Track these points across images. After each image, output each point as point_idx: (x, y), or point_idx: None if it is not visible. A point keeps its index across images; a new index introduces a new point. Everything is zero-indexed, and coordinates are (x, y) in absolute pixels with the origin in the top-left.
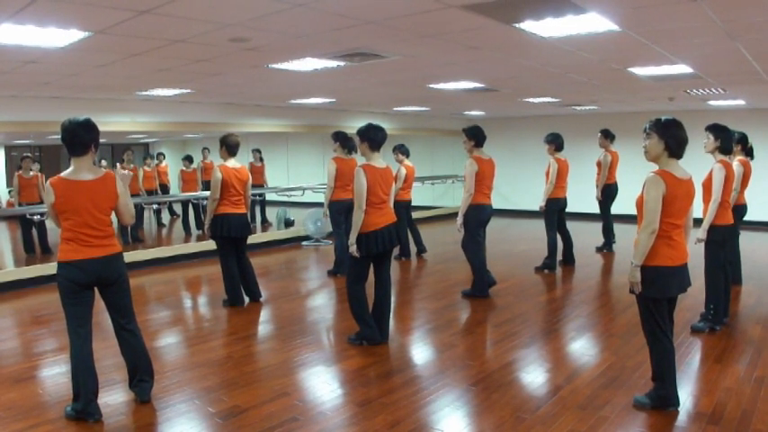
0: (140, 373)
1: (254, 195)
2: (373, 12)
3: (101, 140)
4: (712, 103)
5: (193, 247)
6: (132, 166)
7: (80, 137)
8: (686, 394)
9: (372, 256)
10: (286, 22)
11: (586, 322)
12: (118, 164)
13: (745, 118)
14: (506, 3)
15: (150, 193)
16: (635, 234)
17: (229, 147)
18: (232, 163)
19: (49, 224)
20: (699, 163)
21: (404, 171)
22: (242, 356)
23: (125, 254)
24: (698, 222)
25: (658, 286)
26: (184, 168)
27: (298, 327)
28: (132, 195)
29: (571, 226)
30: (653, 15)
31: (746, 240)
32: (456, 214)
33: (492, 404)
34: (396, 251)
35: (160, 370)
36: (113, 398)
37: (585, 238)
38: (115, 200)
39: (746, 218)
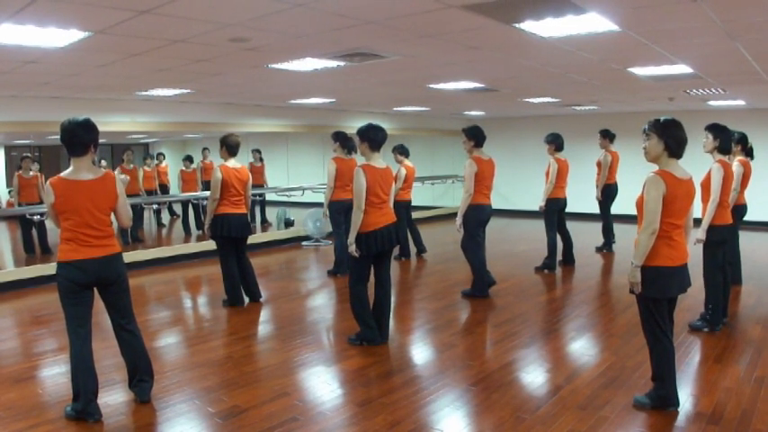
0: (140, 374)
1: (253, 195)
2: (373, 12)
3: (101, 140)
4: (712, 103)
5: (193, 247)
6: (132, 166)
7: (79, 137)
8: (686, 394)
9: (372, 256)
10: (286, 22)
11: (586, 322)
12: (118, 167)
13: (745, 118)
14: (506, 3)
15: (150, 193)
16: (635, 234)
17: (230, 147)
18: (232, 163)
19: (49, 224)
20: (699, 163)
21: (404, 171)
22: (242, 356)
23: (125, 254)
24: (697, 222)
25: (658, 286)
26: (184, 168)
27: (298, 327)
28: (132, 195)
29: (571, 226)
30: (653, 15)
31: (746, 240)
32: (456, 214)
33: (492, 404)
34: (396, 251)
35: (160, 370)
36: (113, 398)
37: (585, 238)
38: (115, 200)
39: (746, 218)
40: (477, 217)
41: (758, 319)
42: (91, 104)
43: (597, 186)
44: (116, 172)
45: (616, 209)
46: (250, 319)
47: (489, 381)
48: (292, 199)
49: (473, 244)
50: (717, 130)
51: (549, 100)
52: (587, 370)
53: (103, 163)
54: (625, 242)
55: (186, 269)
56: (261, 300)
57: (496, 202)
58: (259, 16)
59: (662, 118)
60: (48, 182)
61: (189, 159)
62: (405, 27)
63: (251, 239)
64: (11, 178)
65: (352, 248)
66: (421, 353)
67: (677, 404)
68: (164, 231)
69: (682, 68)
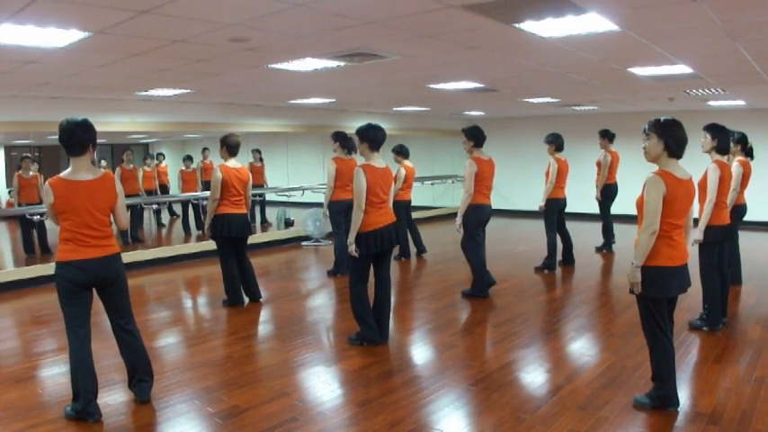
0: (140, 374)
1: (253, 196)
2: (373, 12)
3: (101, 141)
4: (712, 103)
5: (193, 247)
6: (132, 166)
7: (78, 137)
8: (686, 394)
9: (372, 256)
10: (286, 22)
11: (586, 322)
12: (118, 167)
13: (745, 118)
14: (506, 3)
15: (150, 193)
16: (635, 234)
17: (230, 147)
18: (232, 163)
19: (49, 224)
20: (699, 163)
21: (403, 172)
22: (242, 356)
23: (125, 254)
24: (696, 222)
25: (659, 286)
26: (184, 168)
27: (298, 327)
28: (132, 195)
29: (571, 226)
30: (653, 15)
31: (746, 240)
32: (456, 214)
33: (492, 404)
34: (396, 251)
35: (160, 370)
36: (113, 398)
37: (585, 238)
38: (114, 200)
39: (746, 218)
40: (476, 217)
41: (758, 319)
42: (91, 104)
43: (597, 186)
44: (116, 172)
45: (616, 209)
46: (250, 319)
47: (489, 381)
48: (292, 199)
49: (473, 244)
50: (715, 130)
51: (549, 100)
52: (587, 370)
53: (103, 163)
54: (625, 242)
55: (186, 269)
56: (261, 300)
57: (496, 202)
58: (259, 16)
59: (662, 118)
60: (47, 182)
61: (189, 159)
62: (405, 27)
63: (251, 239)
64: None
65: (352, 248)
66: (421, 353)
67: (677, 404)
68: (164, 231)
69: (682, 68)
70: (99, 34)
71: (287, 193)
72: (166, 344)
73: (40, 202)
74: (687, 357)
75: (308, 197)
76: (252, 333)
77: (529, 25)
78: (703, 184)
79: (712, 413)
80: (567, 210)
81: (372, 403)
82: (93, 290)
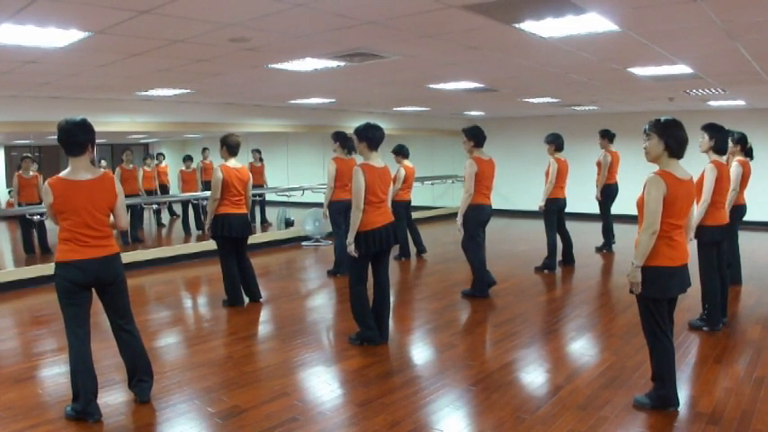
0: (139, 374)
1: (253, 196)
2: (373, 12)
3: (101, 141)
4: (712, 103)
5: (193, 247)
6: (132, 166)
7: (77, 137)
8: (686, 394)
9: (370, 255)
10: (286, 22)
11: (586, 322)
12: (118, 167)
13: (745, 118)
14: (506, 3)
15: (150, 193)
16: (635, 234)
17: (230, 147)
18: (233, 163)
19: (49, 224)
20: (699, 163)
21: (403, 172)
22: (242, 356)
23: (125, 254)
24: None
25: (659, 286)
26: (184, 169)
27: (298, 327)
28: (132, 195)
29: (571, 226)
30: (653, 15)
31: (746, 240)
32: (456, 214)
33: (492, 404)
34: (396, 251)
35: (160, 370)
36: (113, 398)
37: (585, 238)
38: (114, 199)
39: (746, 218)
40: (477, 217)
41: (758, 319)
42: (91, 104)
43: (597, 186)
44: (116, 172)
45: (616, 209)
46: (250, 319)
47: (489, 381)
48: (292, 199)
49: (473, 244)
50: (712, 130)
51: (549, 100)
52: (587, 370)
53: (103, 163)
54: (625, 242)
55: (186, 269)
56: (261, 300)
57: (496, 202)
58: (259, 16)
59: (662, 118)
60: (46, 182)
61: (189, 159)
62: (405, 27)
63: (251, 239)
64: (11, 178)
65: (351, 248)
66: (421, 353)
67: (677, 404)
68: (164, 231)
69: (682, 68)
70: (99, 34)
71: (287, 193)
72: (166, 344)
73: (40, 202)
74: (687, 357)
75: (308, 197)
76: (252, 333)
77: (529, 25)
78: (700, 184)
79: (712, 413)
80: (567, 210)
81: (372, 403)
82: (93, 290)
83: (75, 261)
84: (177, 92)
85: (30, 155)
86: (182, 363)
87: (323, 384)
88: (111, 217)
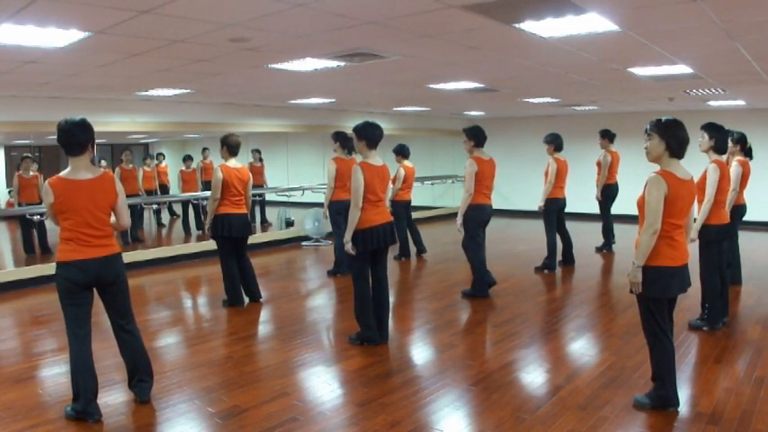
0: (140, 374)
1: (253, 196)
2: (373, 12)
3: (101, 141)
4: (712, 103)
5: (193, 247)
6: (131, 166)
7: (77, 137)
8: (686, 394)
9: (369, 253)
10: (286, 22)
11: (586, 322)
12: (117, 167)
13: (745, 118)
14: (506, 3)
15: (150, 193)
16: (635, 234)
17: (230, 147)
18: (233, 163)
19: (49, 224)
20: (699, 163)
21: (402, 172)
22: (242, 356)
23: (125, 254)
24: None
25: (659, 286)
26: (184, 168)
27: (298, 327)
28: (132, 195)
29: (571, 226)
30: (653, 15)
31: (746, 240)
32: (456, 214)
33: (492, 404)
34: (396, 251)
35: (160, 370)
36: (113, 398)
37: (585, 238)
38: (115, 199)
39: (746, 218)
40: (477, 217)
41: (758, 319)
42: (91, 104)
43: (597, 186)
44: (115, 172)
45: (616, 209)
46: (250, 319)
47: (489, 381)
48: (292, 199)
49: (473, 244)
50: (712, 130)
51: (549, 100)
52: (587, 370)
53: (103, 163)
54: (625, 242)
55: (186, 269)
56: (261, 300)
57: (497, 202)
58: (259, 16)
59: (663, 118)
60: (46, 182)
61: (189, 159)
62: (405, 27)
63: (251, 239)
64: (11, 178)
65: (349, 246)
66: (421, 353)
67: (677, 404)
68: (164, 231)
69: (682, 68)
70: (99, 34)
71: (287, 193)
72: (166, 344)
73: (41, 202)
74: (687, 357)
75: (308, 197)
76: (252, 333)
77: (529, 25)
78: (702, 184)
79: (712, 413)
80: (568, 210)
81: (372, 403)
82: (94, 290)
83: (77, 261)
84: (177, 92)
85: (30, 155)
86: (182, 363)
87: (323, 384)
88: (113, 217)
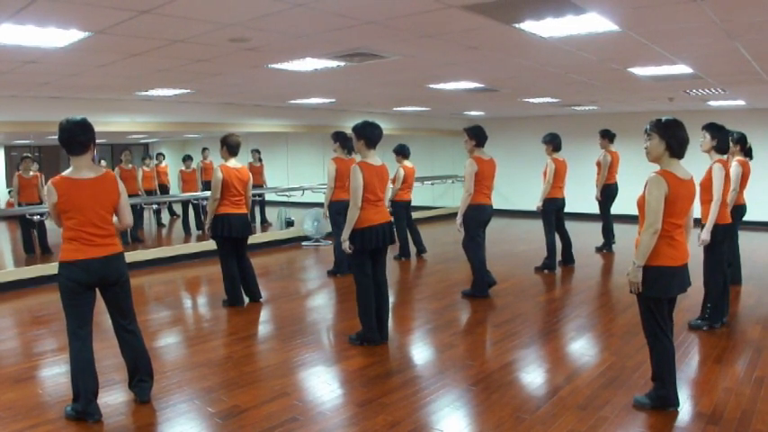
0: (140, 374)
1: (253, 196)
2: (373, 12)
3: (101, 141)
4: (712, 103)
5: (193, 247)
6: (131, 166)
7: (79, 136)
8: (686, 394)
9: (368, 253)
10: (286, 22)
11: (586, 322)
12: (117, 167)
13: (745, 118)
14: (506, 3)
15: (149, 193)
16: (635, 234)
17: (230, 147)
18: (233, 163)
19: (49, 224)
20: (699, 163)
21: (402, 172)
22: (242, 356)
23: (125, 254)
24: (696, 222)
25: (660, 286)
26: (184, 169)
27: (298, 327)
28: (131, 195)
29: (571, 226)
30: (653, 15)
31: (746, 240)
32: (456, 214)
33: (492, 404)
34: (396, 251)
35: (160, 370)
36: (113, 398)
37: (585, 238)
38: (117, 198)
39: (746, 218)
40: (477, 217)
41: (758, 319)
42: (91, 104)
43: (597, 186)
44: (115, 172)
45: (616, 209)
46: (250, 319)
47: (489, 381)
48: (292, 199)
49: (474, 244)
50: (714, 130)
51: (549, 100)
52: (587, 370)
53: (103, 163)
54: (625, 242)
55: (186, 269)
56: (261, 300)
57: (496, 202)
58: (259, 16)
59: (663, 118)
60: (49, 182)
61: (189, 159)
62: (405, 27)
63: (251, 239)
64: (11, 178)
65: (346, 245)
66: (421, 353)
67: (677, 404)
68: (164, 231)
69: (682, 68)
70: (99, 34)
71: (287, 193)
72: (166, 344)
73: (41, 202)
74: (687, 357)
75: (308, 197)
76: (252, 333)
77: (529, 25)
78: (705, 183)
79: (712, 413)
80: (567, 210)
81: (372, 403)
82: (96, 290)
83: (79, 261)
84: (177, 92)
85: (30, 155)
86: (182, 363)
87: (323, 384)
88: (115, 218)
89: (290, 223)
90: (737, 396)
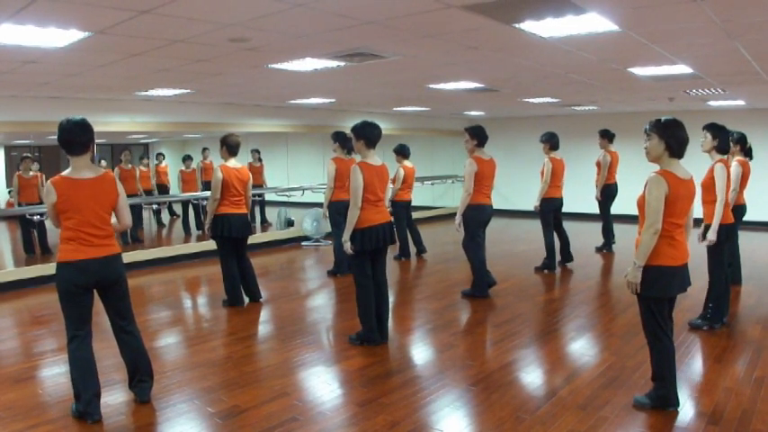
0: (140, 374)
1: (253, 196)
2: (373, 12)
3: (101, 140)
4: (712, 103)
5: (193, 247)
6: (130, 166)
7: (79, 136)
8: (686, 394)
9: (368, 253)
10: (286, 22)
11: (586, 322)
12: (117, 167)
13: (745, 118)
14: (506, 3)
15: (147, 192)
16: (635, 234)
17: (230, 147)
18: (233, 163)
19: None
20: (699, 163)
21: (402, 172)
22: (242, 356)
23: (125, 254)
24: (697, 223)
25: (661, 286)
26: (184, 168)
27: (298, 327)
28: (131, 195)
29: (571, 226)
30: (653, 15)
31: (746, 240)
32: (456, 214)
33: (492, 404)
34: (396, 251)
35: (160, 370)
36: (113, 398)
37: (585, 238)
38: (116, 198)
39: (746, 218)
40: (477, 217)
41: (758, 319)
42: (91, 104)
43: (597, 186)
44: (115, 172)
45: (616, 209)
46: (250, 319)
47: (489, 381)
48: (292, 199)
49: (474, 244)
50: (715, 130)
51: (549, 100)
52: (587, 370)
53: (103, 163)
54: (625, 242)
55: (186, 269)
56: (261, 300)
57: (497, 202)
58: (259, 16)
59: (663, 118)
60: (48, 181)
61: (189, 159)
62: (405, 27)
63: (251, 239)
64: (11, 178)
65: (347, 246)
66: (421, 353)
67: (677, 404)
68: (164, 231)
69: (682, 68)
70: (99, 34)
71: (287, 193)
72: (166, 344)
73: (41, 202)
74: (687, 357)
75: (308, 197)
76: (252, 333)
77: (529, 25)
78: (706, 183)
79: (712, 413)
80: (567, 210)
81: (372, 403)
82: (94, 290)
83: (78, 261)
84: (177, 92)
85: (30, 155)
86: (182, 363)
87: (323, 384)
88: (114, 219)
89: (290, 223)
90: (737, 396)
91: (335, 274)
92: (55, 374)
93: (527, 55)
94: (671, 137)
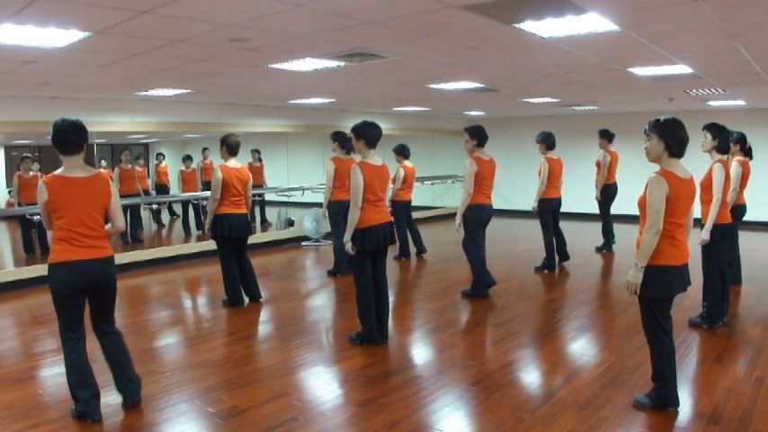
0: (128, 373)
1: (253, 196)
2: (373, 12)
3: (100, 140)
4: (712, 103)
5: (193, 247)
6: (130, 166)
7: (73, 136)
8: (686, 394)
9: (368, 253)
10: (286, 22)
11: (586, 322)
12: (117, 167)
13: (745, 118)
14: (506, 3)
15: (144, 192)
16: (635, 234)
17: (230, 147)
18: (233, 163)
19: None
20: (699, 163)
21: (402, 172)
22: (242, 356)
23: (125, 254)
24: (697, 222)
25: (662, 285)
26: (184, 168)
27: (298, 327)
28: (132, 195)
29: (571, 226)
30: (653, 15)
31: (746, 240)
32: (456, 214)
33: (492, 404)
34: (396, 251)
35: (160, 370)
36: (113, 398)
37: (585, 238)
38: (108, 199)
39: (746, 218)
40: (477, 217)
41: (758, 319)
42: (91, 104)
43: (597, 186)
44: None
45: (616, 209)
46: (250, 319)
47: (489, 381)
48: (292, 199)
49: (474, 244)
50: (715, 130)
51: (549, 100)
52: (587, 370)
53: (103, 163)
54: (625, 242)
55: (186, 269)
56: (261, 300)
57: (496, 202)
58: (259, 16)
59: (662, 118)
60: (40, 180)
61: (189, 159)
62: (405, 27)
63: (251, 239)
64: (11, 178)
65: (349, 246)
66: (421, 353)
67: (677, 404)
68: (164, 231)
69: (682, 68)
70: (99, 34)
71: (287, 193)
72: (166, 344)
73: None
74: (687, 357)
75: (308, 197)
76: (252, 333)
77: (529, 25)
78: (706, 183)
79: (712, 413)
80: (567, 210)
81: (372, 403)
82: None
83: (70, 262)
84: (177, 92)
85: (30, 155)
86: (182, 363)
87: (323, 384)
88: (108, 224)
89: (290, 223)
90: (737, 396)
91: (335, 274)
92: (55, 374)
93: (527, 55)
94: (670, 137)
